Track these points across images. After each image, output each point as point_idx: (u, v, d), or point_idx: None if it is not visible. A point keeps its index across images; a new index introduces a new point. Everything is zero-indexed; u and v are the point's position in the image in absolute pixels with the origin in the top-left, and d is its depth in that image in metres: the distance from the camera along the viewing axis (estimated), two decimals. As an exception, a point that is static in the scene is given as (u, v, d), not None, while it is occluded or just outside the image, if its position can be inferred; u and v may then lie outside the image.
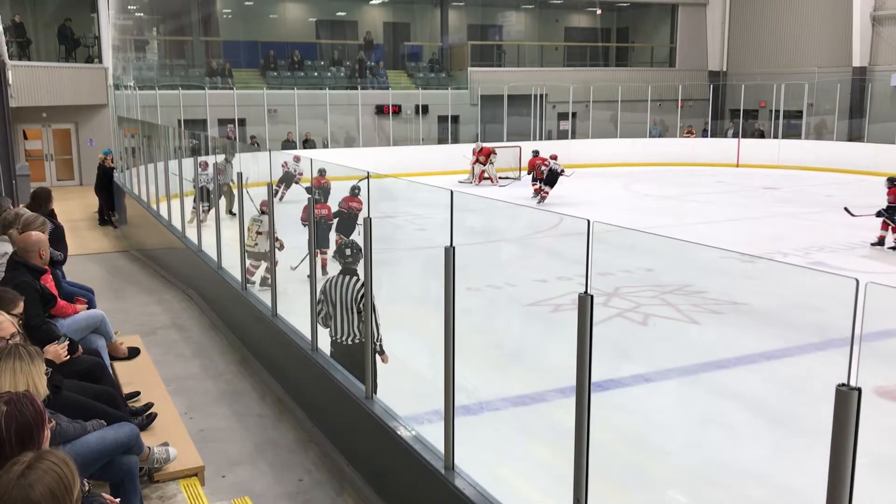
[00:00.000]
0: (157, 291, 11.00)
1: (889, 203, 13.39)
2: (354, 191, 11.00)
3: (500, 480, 5.24)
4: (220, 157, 13.09)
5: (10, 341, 3.54)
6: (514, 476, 5.49)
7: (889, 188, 13.54)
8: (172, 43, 28.77)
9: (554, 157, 19.54)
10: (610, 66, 32.01)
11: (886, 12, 26.04)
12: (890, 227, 13.24)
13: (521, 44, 31.82)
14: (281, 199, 14.03)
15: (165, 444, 4.44)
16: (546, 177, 19.32)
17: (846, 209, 14.83)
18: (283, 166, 16.27)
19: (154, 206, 12.81)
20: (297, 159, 16.69)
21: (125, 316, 9.45)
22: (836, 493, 2.35)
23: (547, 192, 19.35)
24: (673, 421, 6.54)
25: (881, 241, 13.32)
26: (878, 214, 13.50)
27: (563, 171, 19.37)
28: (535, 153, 20.70)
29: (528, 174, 20.71)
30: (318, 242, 9.47)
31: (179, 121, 21.97)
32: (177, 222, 11.07)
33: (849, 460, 2.33)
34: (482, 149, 23.18)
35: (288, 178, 15.97)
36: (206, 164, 12.53)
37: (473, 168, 23.28)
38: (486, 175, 23.15)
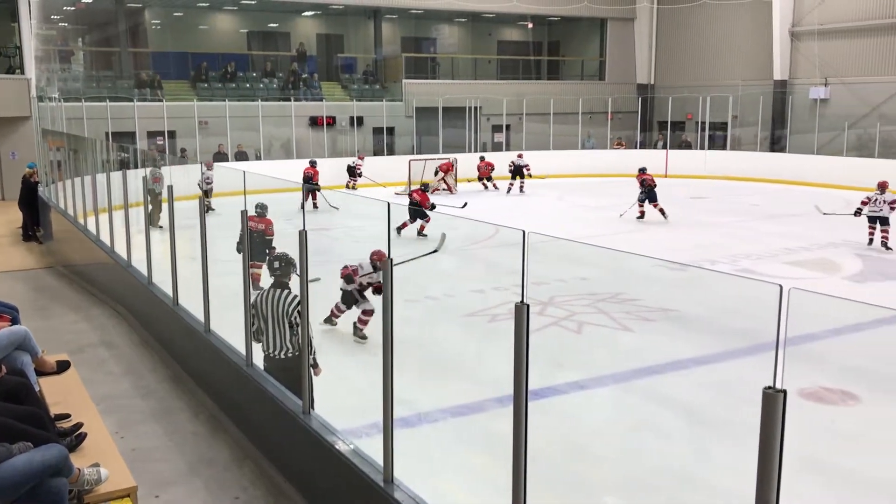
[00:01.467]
0: (84, 308, 10.70)
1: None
2: (258, 209, 10.63)
3: (440, 492, 5.25)
4: (153, 168, 12.88)
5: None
6: (453, 487, 5.50)
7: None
8: (99, 54, 28.10)
9: (519, 156, 23.70)
10: (542, 80, 32.52)
11: (804, 28, 27.12)
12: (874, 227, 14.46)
13: (454, 56, 32.07)
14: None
15: (96, 464, 4.32)
16: (513, 172, 23.41)
17: (816, 207, 15.89)
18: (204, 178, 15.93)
19: (81, 221, 12.46)
20: (209, 166, 16.45)
21: (52, 334, 9.16)
22: (764, 492, 2.43)
23: (513, 184, 23.45)
24: (608, 427, 6.65)
25: (872, 241, 14.48)
26: (856, 214, 14.75)
27: (527, 166, 23.34)
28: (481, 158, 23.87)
29: (480, 180, 22.15)
30: (252, 255, 9.33)
31: (107, 133, 21.43)
32: (105, 237, 10.79)
33: (776, 460, 2.41)
34: (446, 164, 23.52)
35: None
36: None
37: (410, 178, 23.45)
38: (443, 187, 23.36)
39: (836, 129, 25.47)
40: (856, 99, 25.59)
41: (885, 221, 14.34)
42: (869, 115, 25.03)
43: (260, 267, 10.16)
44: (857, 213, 14.75)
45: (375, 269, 8.93)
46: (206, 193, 15.88)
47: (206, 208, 6.97)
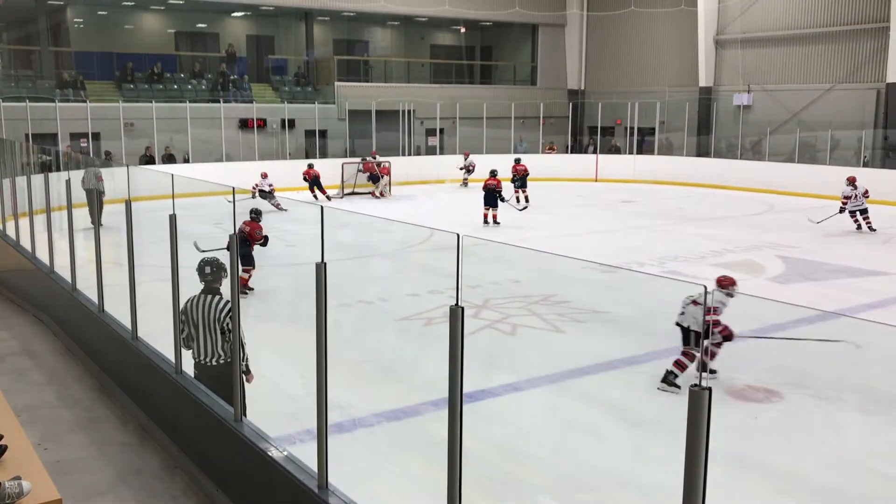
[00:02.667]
0: (4, 316, 10.31)
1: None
2: (252, 215, 11.02)
3: (376, 497, 5.24)
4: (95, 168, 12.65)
5: None
6: (389, 492, 5.49)
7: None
8: (18, 52, 27.11)
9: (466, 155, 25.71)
10: (475, 84, 32.74)
11: (728, 37, 28.00)
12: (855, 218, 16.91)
13: (387, 59, 32.04)
14: None
15: (17, 477, 4.17)
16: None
17: (809, 219, 17.31)
18: None
19: (0, 226, 12.02)
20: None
21: (-32, 343, 8.81)
22: (691, 487, 2.50)
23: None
24: (542, 428, 6.74)
25: (860, 227, 16.85)
26: (841, 211, 16.88)
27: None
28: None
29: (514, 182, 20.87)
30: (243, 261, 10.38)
31: (27, 135, 20.71)
32: (26, 242, 10.43)
33: (702, 456, 2.48)
34: (382, 166, 23.59)
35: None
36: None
37: (343, 180, 23.41)
38: (378, 189, 23.35)
39: (758, 134, 26.36)
40: (777, 105, 26.54)
41: (865, 211, 16.84)
42: (789, 121, 25.98)
43: (248, 271, 10.72)
44: (842, 210, 16.93)
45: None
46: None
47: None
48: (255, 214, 11.04)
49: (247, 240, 10.59)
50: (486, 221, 17.76)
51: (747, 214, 19.86)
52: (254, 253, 10.87)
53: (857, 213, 16.93)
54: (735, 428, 6.29)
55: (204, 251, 11.85)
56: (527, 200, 20.65)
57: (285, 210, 18.77)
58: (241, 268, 9.04)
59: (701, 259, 13.84)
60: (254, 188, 19.38)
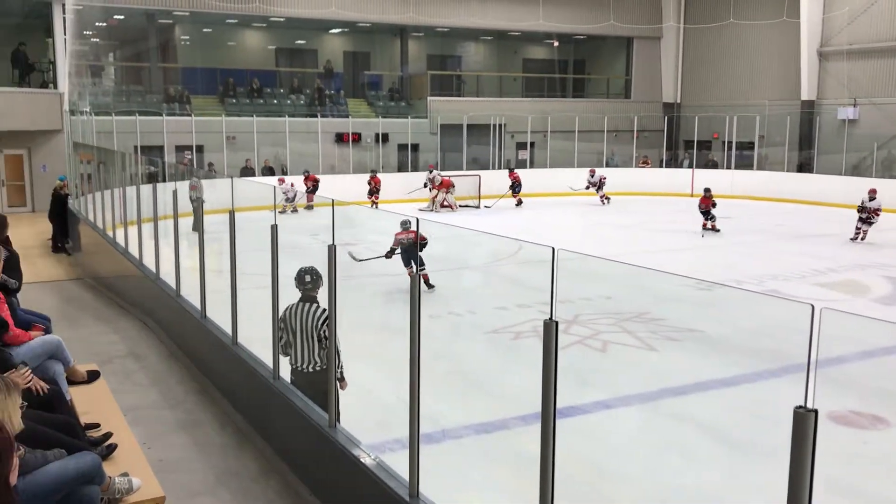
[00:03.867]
0: (113, 320, 10.83)
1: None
2: (405, 225, 11.83)
3: (465, 508, 5.25)
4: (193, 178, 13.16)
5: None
6: (477, 503, 5.50)
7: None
8: (129, 69, 28.54)
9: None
10: (567, 97, 32.55)
11: (832, 48, 26.97)
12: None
13: (480, 74, 32.23)
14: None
15: (125, 474, 4.37)
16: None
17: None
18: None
19: (110, 233, 12.63)
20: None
21: (81, 345, 9.26)
22: (795, 513, 2.42)
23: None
24: (634, 447, 6.62)
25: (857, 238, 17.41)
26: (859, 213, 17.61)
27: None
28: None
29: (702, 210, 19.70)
30: (405, 262, 11.67)
31: (136, 147, 21.74)
32: (134, 249, 10.93)
33: (807, 481, 2.40)
34: (442, 181, 23.51)
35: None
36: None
37: (434, 196, 23.54)
38: (445, 203, 23.38)
39: (864, 150, 25.24)
40: (886, 119, 25.36)
41: (870, 223, 17.51)
42: (898, 136, 24.83)
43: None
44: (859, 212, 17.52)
45: None
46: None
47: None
48: (407, 224, 11.74)
49: (413, 245, 11.27)
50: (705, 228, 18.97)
51: (852, 233, 19.02)
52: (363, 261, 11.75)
53: (864, 222, 17.51)
54: (839, 454, 6.03)
55: (361, 260, 12.34)
56: (518, 204, 24.24)
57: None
58: (415, 268, 10.33)
59: (802, 278, 13.35)
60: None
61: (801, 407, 2.38)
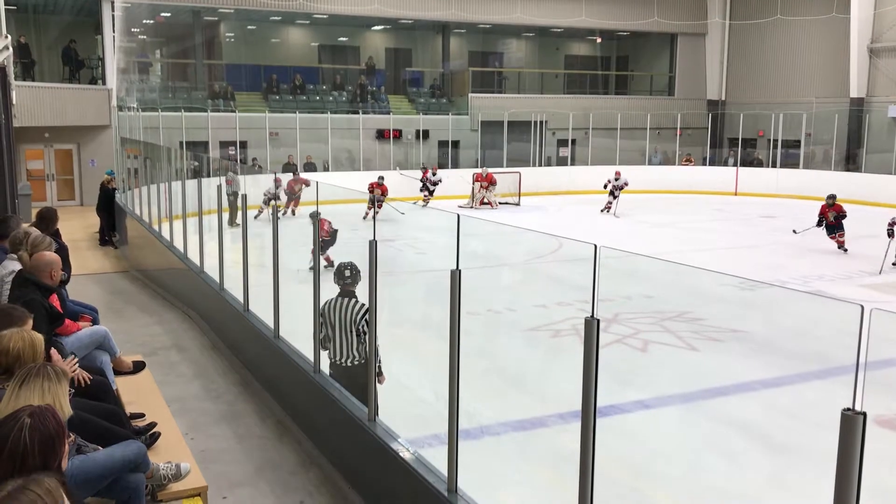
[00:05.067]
0: (157, 312, 11.02)
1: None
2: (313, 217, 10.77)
3: (502, 504, 5.25)
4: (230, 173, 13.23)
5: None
6: (514, 500, 5.49)
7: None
8: (175, 65, 29.01)
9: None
10: (609, 94, 32.28)
11: (883, 45, 26.34)
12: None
13: (521, 71, 32.12)
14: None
15: (169, 462, 4.45)
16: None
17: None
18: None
19: (155, 227, 12.85)
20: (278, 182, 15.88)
21: (126, 336, 9.45)
22: (841, 517, 2.37)
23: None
24: (674, 448, 6.55)
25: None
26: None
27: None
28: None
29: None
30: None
31: (181, 142, 22.09)
32: (178, 243, 11.11)
33: (854, 486, 2.35)
34: (487, 175, 23.44)
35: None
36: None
37: (473, 192, 23.50)
38: (485, 200, 23.36)
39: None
40: (938, 117, 24.74)
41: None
42: (951, 134, 24.18)
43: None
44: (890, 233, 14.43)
45: None
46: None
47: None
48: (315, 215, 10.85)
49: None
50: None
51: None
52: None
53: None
54: (886, 459, 5.90)
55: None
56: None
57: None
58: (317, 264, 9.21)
59: (848, 279, 13.09)
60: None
61: (849, 409, 2.33)
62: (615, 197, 22.18)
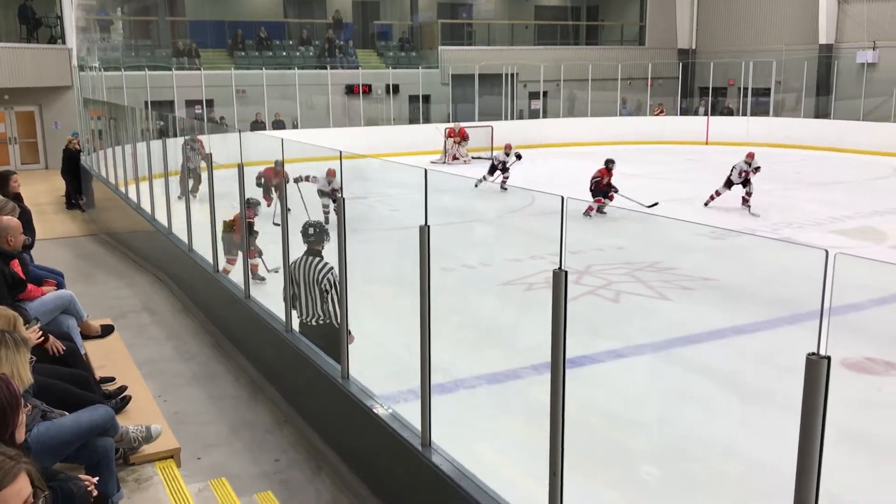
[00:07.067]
0: (126, 275, 10.89)
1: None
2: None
3: (477, 456, 5.27)
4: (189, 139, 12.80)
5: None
6: (490, 452, 5.53)
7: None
8: (137, 23, 28.28)
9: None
10: (580, 45, 32.03)
11: (852, -10, 26.35)
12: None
13: (491, 22, 31.71)
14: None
15: (139, 425, 4.41)
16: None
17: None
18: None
19: (122, 189, 12.64)
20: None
21: (95, 300, 9.33)
22: (805, 460, 2.40)
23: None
24: (646, 396, 6.63)
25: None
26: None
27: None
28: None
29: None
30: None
31: (146, 102, 21.65)
32: (146, 205, 10.94)
33: (818, 428, 2.37)
34: (460, 130, 23.28)
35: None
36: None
37: (445, 147, 23.35)
38: (457, 155, 23.24)
39: (884, 94, 24.76)
40: (906, 63, 24.85)
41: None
42: (919, 79, 24.31)
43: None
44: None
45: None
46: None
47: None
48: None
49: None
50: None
51: (869, 179, 18.81)
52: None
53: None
54: (853, 401, 6.01)
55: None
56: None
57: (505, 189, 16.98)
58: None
59: (818, 225, 13.22)
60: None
61: (813, 354, 2.34)
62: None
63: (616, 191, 14.74)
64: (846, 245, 11.86)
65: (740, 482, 5.21)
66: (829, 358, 2.32)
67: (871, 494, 5.01)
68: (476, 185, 15.75)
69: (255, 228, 8.56)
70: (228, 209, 9.33)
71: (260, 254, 9.20)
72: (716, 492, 5.14)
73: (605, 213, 14.42)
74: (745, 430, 5.88)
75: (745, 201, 15.14)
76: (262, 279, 9.12)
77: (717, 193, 15.21)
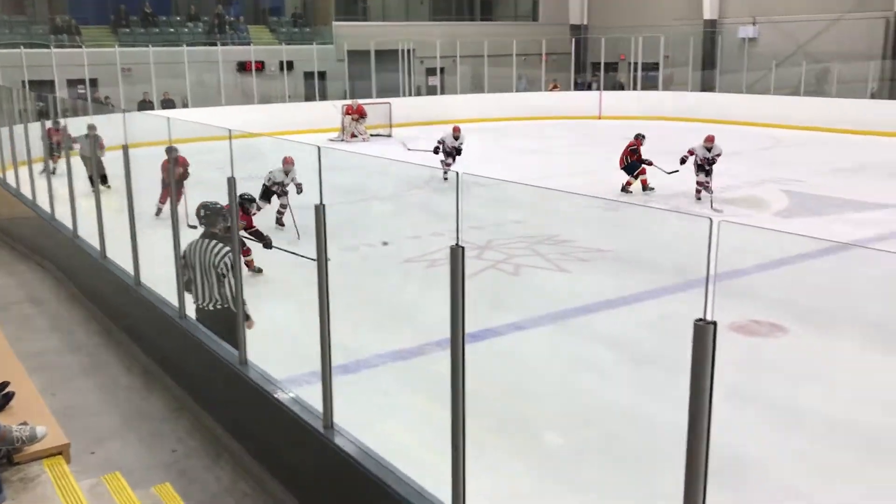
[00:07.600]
0: (7, 264, 10.32)
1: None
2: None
3: (382, 435, 5.25)
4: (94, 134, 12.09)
5: None
6: (395, 430, 5.52)
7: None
8: (9, -3, 26.64)
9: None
10: (476, 21, 32.12)
11: (733, -33, 27.36)
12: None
13: (385, -3, 31.43)
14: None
15: (25, 423, 4.19)
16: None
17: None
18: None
19: (0, 174, 11.94)
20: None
21: (-27, 292, 8.83)
22: (696, 421, 2.48)
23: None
24: (547, 366, 6.76)
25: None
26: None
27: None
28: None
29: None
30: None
31: (24, 82, 20.49)
32: (26, 190, 10.37)
33: (706, 389, 2.45)
34: (358, 107, 23.01)
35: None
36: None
37: (344, 124, 23.08)
38: (355, 133, 23.01)
39: (763, 68, 25.90)
40: (783, 37, 26.01)
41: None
42: (795, 53, 25.50)
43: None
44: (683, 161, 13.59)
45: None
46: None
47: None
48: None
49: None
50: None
51: (752, 149, 19.66)
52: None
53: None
54: (739, 362, 6.30)
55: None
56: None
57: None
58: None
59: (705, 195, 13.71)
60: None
61: (700, 320, 2.41)
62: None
63: (650, 163, 14.17)
64: (732, 213, 12.38)
65: (637, 442, 5.39)
66: (715, 323, 2.40)
67: (757, 447, 5.27)
68: (445, 179, 13.94)
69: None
70: (115, 193, 8.95)
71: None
72: (615, 453, 5.30)
73: (652, 188, 14.11)
74: (641, 394, 6.08)
75: (699, 191, 13.54)
76: (260, 271, 9.44)
77: (699, 184, 13.48)
